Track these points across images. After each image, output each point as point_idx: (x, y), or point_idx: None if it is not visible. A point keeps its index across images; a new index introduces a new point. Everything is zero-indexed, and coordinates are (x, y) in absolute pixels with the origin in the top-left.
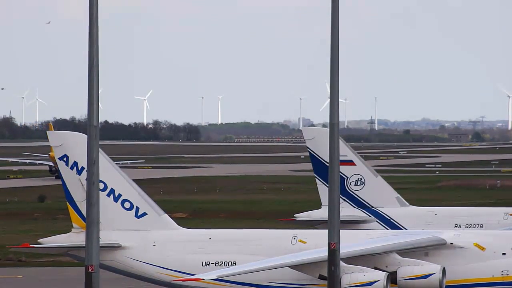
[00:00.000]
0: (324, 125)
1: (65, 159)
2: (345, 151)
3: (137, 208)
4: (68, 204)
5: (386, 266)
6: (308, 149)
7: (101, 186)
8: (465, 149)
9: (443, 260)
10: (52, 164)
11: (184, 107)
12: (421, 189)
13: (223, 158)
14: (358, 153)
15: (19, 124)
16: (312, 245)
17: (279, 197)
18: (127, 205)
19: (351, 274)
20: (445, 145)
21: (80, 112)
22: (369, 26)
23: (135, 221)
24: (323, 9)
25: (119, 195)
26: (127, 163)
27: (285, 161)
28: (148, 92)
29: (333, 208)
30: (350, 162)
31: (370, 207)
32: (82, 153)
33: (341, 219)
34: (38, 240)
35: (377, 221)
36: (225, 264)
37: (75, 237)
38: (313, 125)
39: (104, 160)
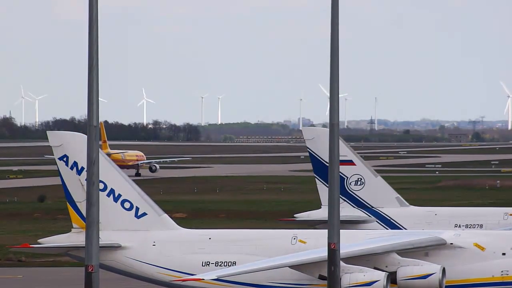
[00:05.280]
0: (324, 125)
1: (65, 159)
2: (345, 151)
3: (137, 208)
4: (68, 204)
5: (386, 266)
6: (308, 149)
7: (101, 186)
8: (465, 149)
9: (443, 260)
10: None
11: (184, 107)
12: (421, 189)
13: (223, 158)
14: (358, 153)
15: (19, 124)
16: (312, 245)
17: (279, 197)
18: (127, 205)
19: (351, 274)
20: (445, 145)
21: (80, 112)
22: (369, 26)
23: (135, 221)
24: (323, 9)
25: (119, 195)
26: (174, 160)
27: (285, 161)
28: (148, 92)
29: (333, 208)
30: (350, 162)
31: (370, 207)
32: (82, 153)
33: (341, 219)
34: (38, 240)
35: (377, 221)
36: (225, 264)
37: (75, 237)
38: (313, 125)
39: (104, 160)
